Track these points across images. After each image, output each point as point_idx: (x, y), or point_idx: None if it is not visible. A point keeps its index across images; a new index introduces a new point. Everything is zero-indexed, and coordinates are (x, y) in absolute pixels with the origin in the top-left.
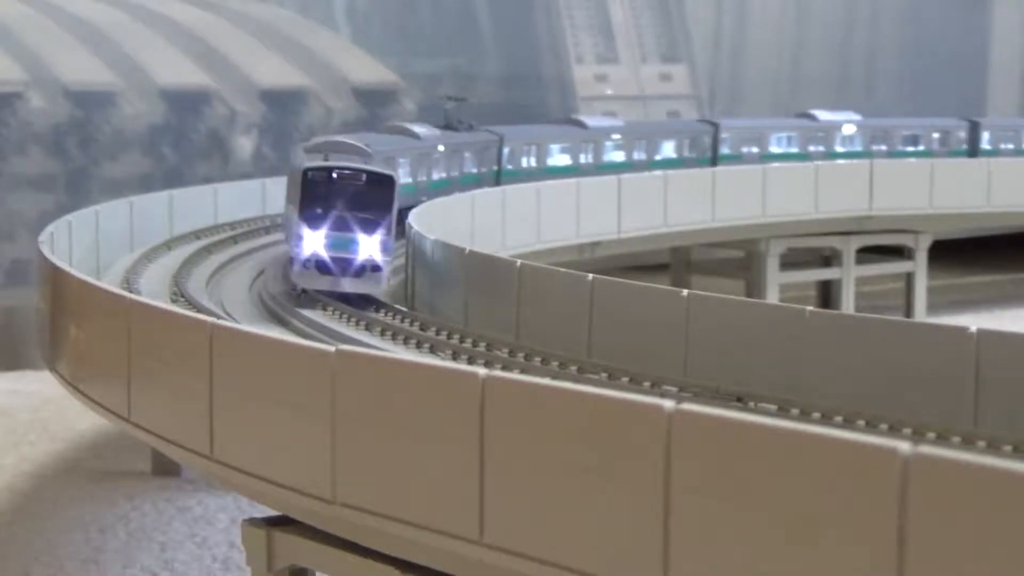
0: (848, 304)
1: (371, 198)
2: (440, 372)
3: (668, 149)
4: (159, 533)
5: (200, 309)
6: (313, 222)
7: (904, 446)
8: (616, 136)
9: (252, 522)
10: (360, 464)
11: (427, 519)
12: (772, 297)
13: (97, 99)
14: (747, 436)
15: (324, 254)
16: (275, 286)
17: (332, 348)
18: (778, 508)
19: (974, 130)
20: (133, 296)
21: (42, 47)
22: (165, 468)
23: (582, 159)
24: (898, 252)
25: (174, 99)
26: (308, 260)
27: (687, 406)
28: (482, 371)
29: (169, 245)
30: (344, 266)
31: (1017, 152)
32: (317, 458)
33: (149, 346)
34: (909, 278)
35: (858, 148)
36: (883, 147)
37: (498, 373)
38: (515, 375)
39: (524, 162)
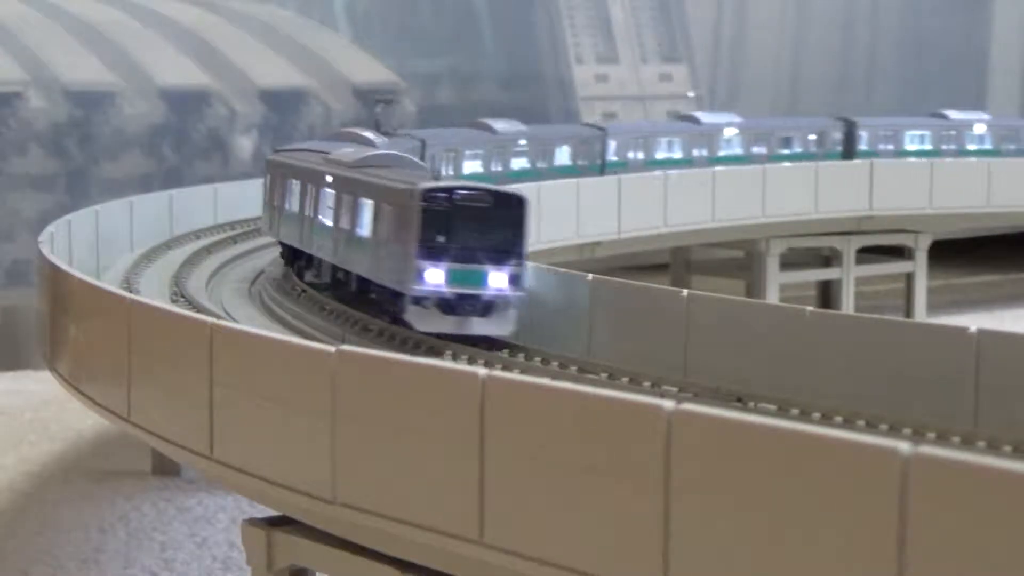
0: (848, 304)
1: (500, 223)
2: (440, 372)
3: (563, 156)
4: (159, 533)
5: (200, 309)
6: (434, 254)
7: (904, 446)
8: (522, 142)
9: (252, 522)
10: (360, 464)
11: (427, 519)
12: (772, 297)
13: (97, 99)
14: (747, 436)
15: (447, 291)
16: (274, 287)
17: (332, 348)
18: (778, 508)
19: (850, 130)
20: (133, 296)
21: (42, 47)
22: (165, 468)
23: (492, 167)
24: (898, 252)
25: (174, 99)
26: (426, 298)
27: (687, 406)
28: (482, 371)
29: (169, 245)
30: (470, 304)
31: (897, 153)
32: (317, 458)
33: (149, 346)
34: (909, 278)
35: (739, 151)
36: (763, 150)
37: (498, 373)
38: (515, 375)
39: (443, 170)
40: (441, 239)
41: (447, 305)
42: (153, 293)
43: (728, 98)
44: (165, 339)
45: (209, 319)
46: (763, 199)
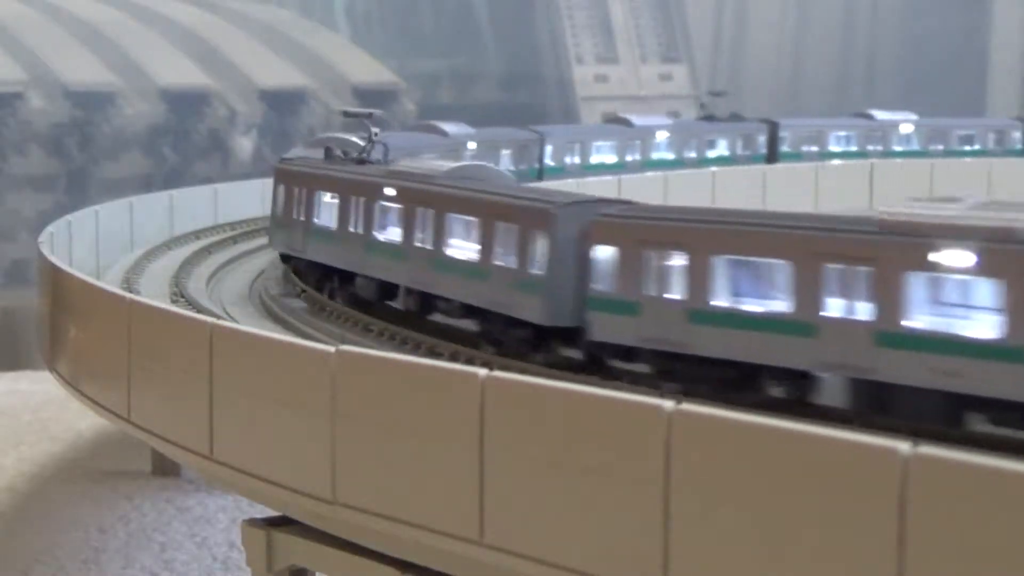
0: None
1: None
2: (440, 372)
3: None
4: (159, 533)
5: (200, 309)
6: None
7: (904, 446)
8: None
9: (252, 522)
10: (360, 464)
11: (427, 519)
12: None
13: (97, 99)
14: (747, 436)
15: None
16: (274, 287)
17: (332, 348)
18: (778, 507)
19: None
20: (133, 296)
21: (42, 47)
22: (165, 468)
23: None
24: None
25: (174, 99)
26: None
27: (687, 406)
28: (482, 371)
29: (169, 245)
30: None
31: (582, 170)
32: (317, 458)
33: (149, 346)
34: None
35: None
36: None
37: (498, 373)
38: (515, 375)
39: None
40: None
41: None
42: (153, 293)
43: (729, 98)
44: (165, 339)
45: (209, 319)
46: (763, 199)
